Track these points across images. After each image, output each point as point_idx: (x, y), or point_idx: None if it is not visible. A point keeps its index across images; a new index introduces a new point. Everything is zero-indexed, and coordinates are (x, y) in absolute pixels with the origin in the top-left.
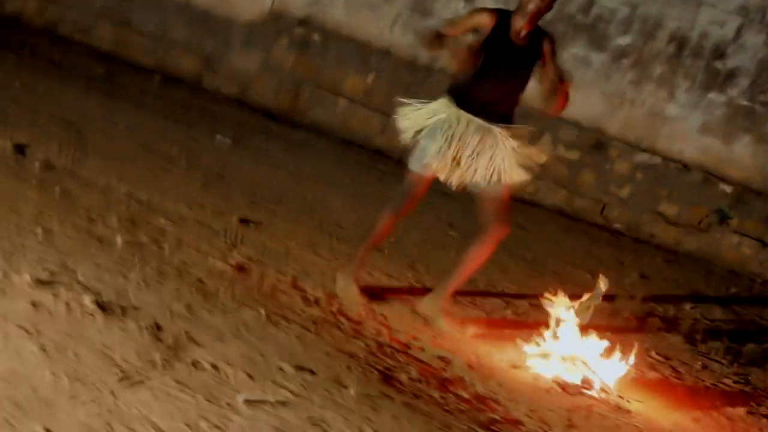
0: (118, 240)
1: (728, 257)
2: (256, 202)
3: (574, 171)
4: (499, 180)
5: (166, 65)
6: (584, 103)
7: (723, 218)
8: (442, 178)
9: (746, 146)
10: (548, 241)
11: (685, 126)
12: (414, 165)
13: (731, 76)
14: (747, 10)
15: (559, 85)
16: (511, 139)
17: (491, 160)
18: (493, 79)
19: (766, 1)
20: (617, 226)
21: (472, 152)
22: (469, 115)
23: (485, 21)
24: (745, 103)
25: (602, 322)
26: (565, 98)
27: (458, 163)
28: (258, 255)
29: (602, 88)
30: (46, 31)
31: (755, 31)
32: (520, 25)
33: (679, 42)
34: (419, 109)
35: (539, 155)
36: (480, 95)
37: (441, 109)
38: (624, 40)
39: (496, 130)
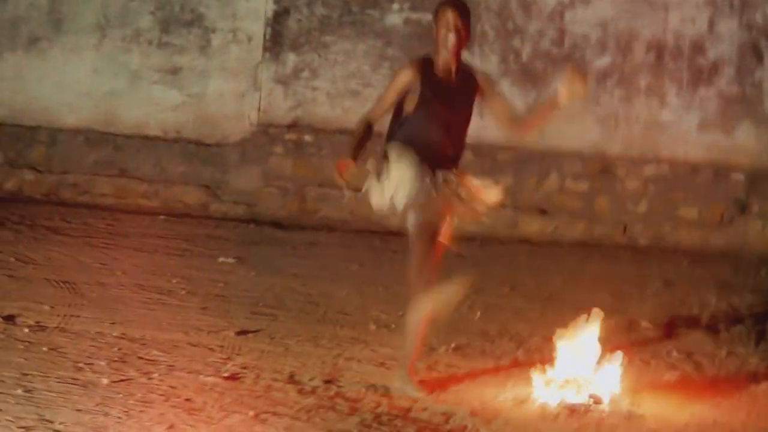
0: (104, 381)
1: (756, 244)
2: (257, 312)
3: (587, 200)
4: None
5: (169, 203)
6: (580, 132)
7: (742, 207)
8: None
9: (747, 131)
10: (567, 274)
11: (683, 128)
12: (411, 217)
13: (715, 67)
14: (714, 0)
15: (541, 108)
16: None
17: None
18: (435, 123)
19: None
20: (642, 241)
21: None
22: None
23: (410, 77)
24: (735, 90)
25: (620, 337)
26: (542, 118)
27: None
28: (254, 361)
29: (594, 113)
30: (47, 201)
31: (727, 17)
32: (447, 61)
33: (657, 49)
34: (379, 172)
35: (492, 196)
36: (425, 140)
37: (396, 159)
38: (603, 61)
39: (449, 173)
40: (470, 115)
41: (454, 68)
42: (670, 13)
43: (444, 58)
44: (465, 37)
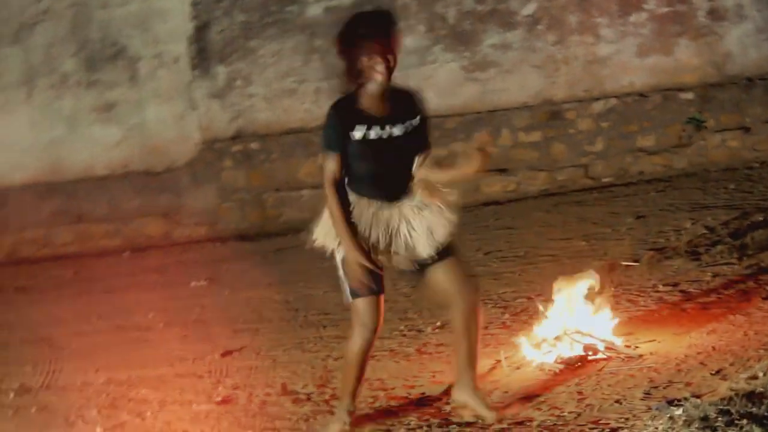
0: (98, 431)
1: (719, 158)
2: (238, 329)
3: (543, 150)
4: (437, 245)
5: (132, 239)
6: (522, 84)
7: (698, 124)
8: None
9: (687, 48)
10: (537, 228)
11: (623, 58)
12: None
13: None
14: None
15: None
16: (423, 203)
17: (416, 231)
18: (378, 165)
19: None
20: (606, 180)
21: (395, 231)
22: (373, 201)
23: (339, 130)
24: (666, 9)
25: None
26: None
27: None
28: (244, 380)
29: (532, 61)
30: (9, 263)
31: None
32: (376, 91)
33: None
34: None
35: (450, 196)
36: (375, 182)
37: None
38: (530, 8)
39: (405, 204)
40: (416, 136)
41: (385, 96)
42: None
43: (372, 90)
44: (395, 59)
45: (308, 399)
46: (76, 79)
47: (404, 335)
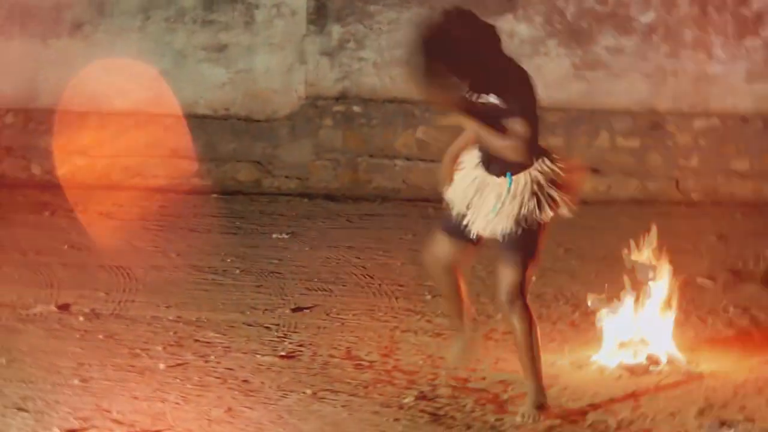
0: (161, 366)
1: None
2: (312, 287)
3: (638, 157)
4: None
5: (222, 182)
6: (628, 89)
7: None
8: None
9: None
10: (621, 233)
11: (731, 79)
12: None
13: (759, 16)
14: None
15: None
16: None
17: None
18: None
19: None
20: (694, 195)
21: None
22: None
23: None
24: None
25: (676, 294)
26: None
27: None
28: (310, 338)
29: (642, 69)
30: (99, 186)
31: None
32: None
33: (701, 1)
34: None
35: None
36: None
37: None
38: (647, 17)
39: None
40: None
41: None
42: None
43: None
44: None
45: (370, 366)
46: (192, 15)
47: (474, 318)
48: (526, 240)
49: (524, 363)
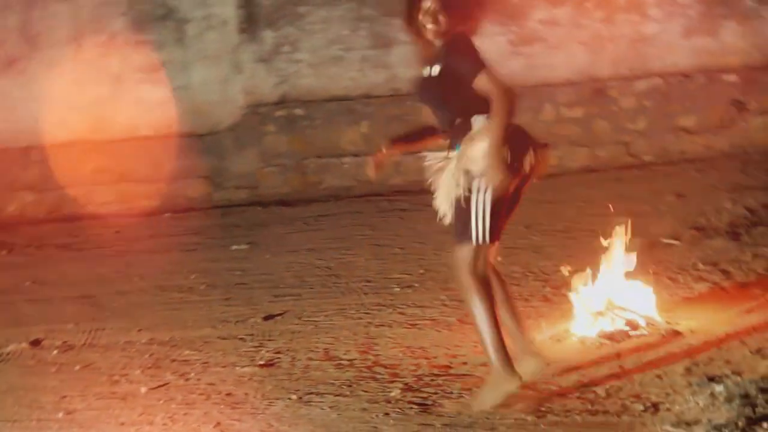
0: (143, 390)
1: (759, 140)
2: (280, 294)
3: (585, 126)
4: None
5: (173, 201)
6: (567, 59)
7: (740, 107)
8: None
9: (733, 31)
10: (578, 203)
11: (668, 38)
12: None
13: None
14: None
15: None
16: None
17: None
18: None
19: None
20: (647, 158)
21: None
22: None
23: None
24: None
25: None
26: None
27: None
28: (287, 344)
29: (578, 38)
30: (50, 220)
31: None
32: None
33: None
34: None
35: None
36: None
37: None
38: None
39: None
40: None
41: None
42: None
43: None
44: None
45: (351, 365)
46: (124, 38)
47: (445, 305)
48: (464, 214)
49: (480, 340)
